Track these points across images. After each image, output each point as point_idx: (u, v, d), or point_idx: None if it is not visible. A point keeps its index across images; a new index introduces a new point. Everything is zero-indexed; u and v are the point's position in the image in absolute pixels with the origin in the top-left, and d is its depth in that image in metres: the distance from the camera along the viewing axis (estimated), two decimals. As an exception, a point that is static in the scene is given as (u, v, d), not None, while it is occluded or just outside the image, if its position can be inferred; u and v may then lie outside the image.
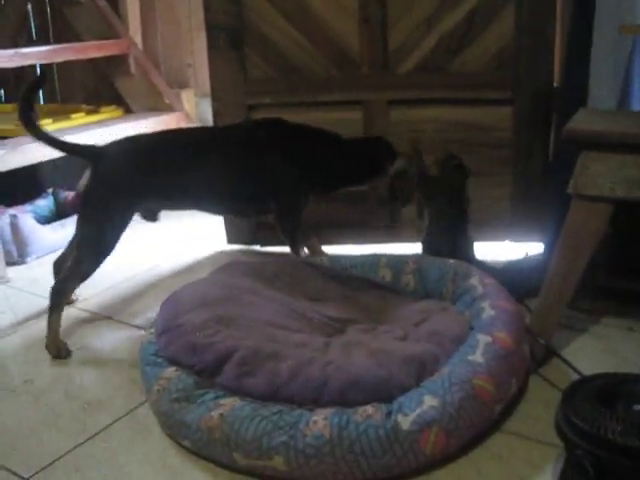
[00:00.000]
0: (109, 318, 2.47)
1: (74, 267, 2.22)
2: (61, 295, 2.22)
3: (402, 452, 1.48)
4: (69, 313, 2.47)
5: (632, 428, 1.31)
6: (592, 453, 1.31)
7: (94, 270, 2.24)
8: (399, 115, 2.80)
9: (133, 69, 3.77)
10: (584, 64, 2.48)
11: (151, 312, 2.29)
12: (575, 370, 1.88)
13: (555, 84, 2.71)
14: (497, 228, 2.86)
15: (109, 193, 2.21)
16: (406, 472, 1.52)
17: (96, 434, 1.78)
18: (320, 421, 1.50)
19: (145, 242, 3.27)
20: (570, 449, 1.37)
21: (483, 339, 1.73)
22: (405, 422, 1.49)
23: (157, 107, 3.70)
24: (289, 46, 2.80)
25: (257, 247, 3.05)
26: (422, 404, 1.53)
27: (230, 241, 3.01)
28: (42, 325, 2.23)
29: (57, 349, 2.19)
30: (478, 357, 1.67)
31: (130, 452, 1.70)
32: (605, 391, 1.43)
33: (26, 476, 1.63)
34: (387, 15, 2.71)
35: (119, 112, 3.81)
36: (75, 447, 1.72)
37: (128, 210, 2.28)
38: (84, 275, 2.24)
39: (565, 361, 1.93)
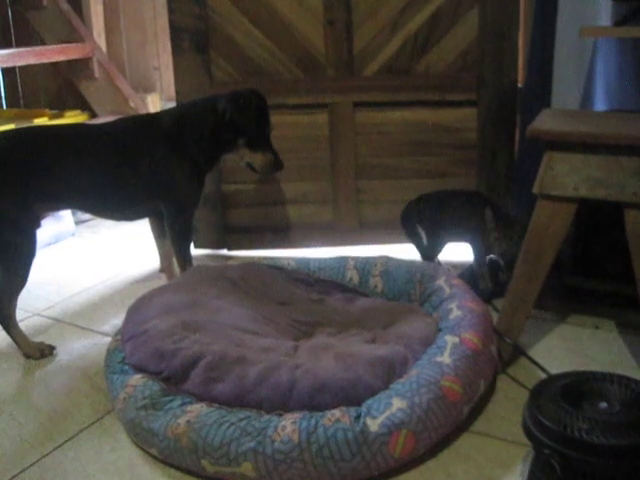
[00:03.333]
0: (75, 325, 2.43)
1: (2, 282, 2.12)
2: (2, 314, 2.14)
3: (371, 455, 1.48)
4: (34, 321, 2.44)
5: (598, 426, 1.32)
6: (559, 452, 1.31)
7: (18, 280, 2.13)
8: (365, 117, 2.81)
9: (97, 73, 3.74)
10: (547, 65, 2.50)
11: (117, 319, 2.27)
12: (542, 369, 1.89)
13: (519, 85, 2.74)
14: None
15: None
16: (375, 475, 1.52)
17: (62, 444, 1.75)
18: (288, 426, 1.49)
19: (111, 248, 3.24)
20: (537, 448, 1.38)
21: (451, 340, 1.74)
22: (374, 425, 1.49)
23: (122, 111, 3.66)
24: (254, 49, 2.79)
25: (224, 251, 3.04)
26: (390, 407, 1.52)
27: (197, 245, 2.99)
28: (4, 335, 2.20)
29: (38, 350, 2.17)
30: (446, 358, 1.67)
31: (97, 461, 1.67)
32: (571, 390, 1.44)
33: (-10, 489, 1.60)
34: (352, 17, 2.72)
35: (84, 117, 3.77)
36: (41, 458, 1.70)
37: (18, 208, 2.11)
38: (10, 290, 2.13)
39: (532, 360, 1.94)
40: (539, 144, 1.84)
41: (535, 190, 1.83)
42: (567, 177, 1.79)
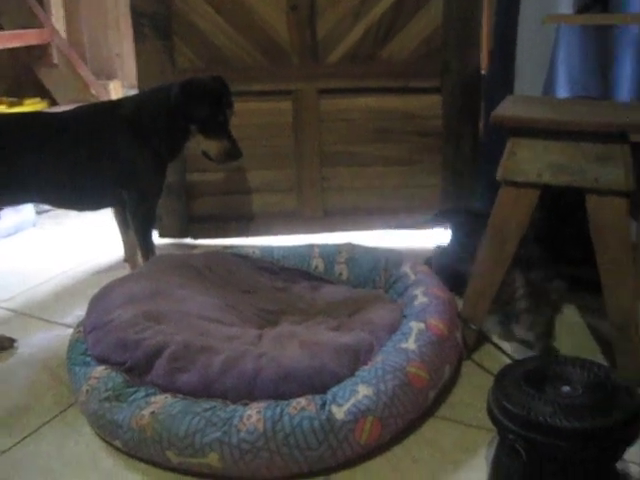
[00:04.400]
0: (36, 317, 2.39)
1: None
2: None
3: (337, 443, 1.47)
4: (-6, 313, 2.40)
5: (561, 409, 1.33)
6: (523, 436, 1.32)
7: None
8: (329, 104, 2.80)
9: (57, 59, 3.68)
10: (510, 52, 2.51)
11: (80, 310, 2.23)
12: (506, 354, 1.91)
13: (483, 72, 2.74)
14: (428, 215, 2.88)
15: None
16: (342, 462, 1.52)
17: (23, 439, 1.72)
18: (254, 415, 1.48)
19: (74, 238, 3.19)
20: (502, 433, 1.39)
21: (416, 326, 1.74)
22: (339, 412, 1.48)
23: (83, 99, 3.60)
24: (218, 35, 2.76)
25: (189, 240, 3.01)
26: (356, 394, 1.52)
27: (161, 235, 2.96)
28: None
29: None
30: (411, 344, 1.68)
31: (60, 455, 1.65)
32: (535, 374, 1.45)
33: (-52, 487, 1.57)
34: (315, 3, 2.70)
35: (43, 104, 3.71)
36: (2, 453, 1.66)
37: None
38: None
39: (496, 346, 1.96)
40: (502, 130, 1.85)
41: (498, 176, 1.84)
42: (530, 163, 1.80)
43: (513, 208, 1.85)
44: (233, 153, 2.39)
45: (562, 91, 2.44)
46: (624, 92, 2.32)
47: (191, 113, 2.32)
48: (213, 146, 2.37)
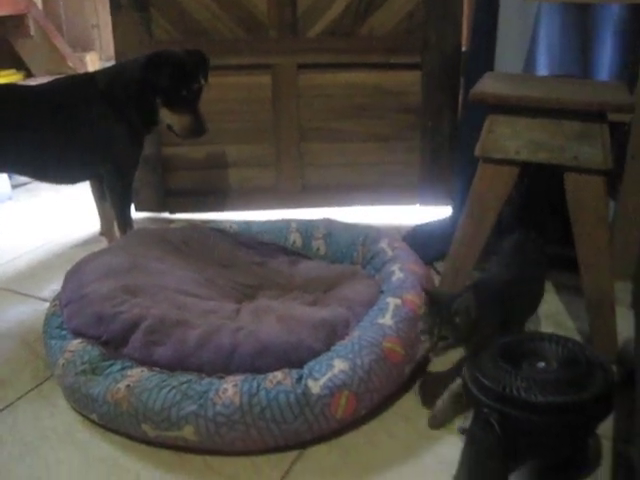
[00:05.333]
0: (12, 291, 2.37)
1: None
2: None
3: (313, 417, 1.48)
4: (-31, 287, 2.38)
5: (536, 385, 1.35)
6: (498, 410, 1.34)
7: None
8: (308, 79, 2.78)
9: (33, 30, 3.62)
10: (491, 29, 2.50)
11: (56, 284, 2.21)
12: (482, 330, 1.91)
13: (463, 48, 2.74)
14: (407, 192, 2.89)
15: None
16: (317, 436, 1.53)
17: (0, 411, 1.71)
18: (230, 389, 1.48)
19: (50, 211, 3.16)
20: (477, 407, 1.40)
21: (393, 302, 1.74)
22: (315, 387, 1.49)
23: (60, 71, 3.55)
24: (196, 7, 2.72)
25: (166, 214, 2.99)
26: (332, 368, 1.53)
27: (138, 208, 2.94)
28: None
29: None
30: (388, 320, 1.68)
31: (37, 428, 1.65)
32: (510, 350, 1.46)
33: None
34: (295, -24, 2.67)
35: (19, 76, 3.66)
36: (-22, 426, 1.66)
37: None
38: None
39: (473, 322, 1.96)
40: (482, 107, 1.85)
41: (477, 153, 1.84)
42: (509, 140, 1.80)
43: (491, 184, 1.85)
44: (196, 129, 2.34)
45: (542, 69, 2.44)
46: (604, 72, 2.32)
47: (155, 85, 2.28)
48: (176, 120, 2.33)
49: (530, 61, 2.46)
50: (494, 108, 1.81)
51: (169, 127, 2.37)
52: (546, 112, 1.75)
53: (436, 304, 1.49)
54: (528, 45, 2.47)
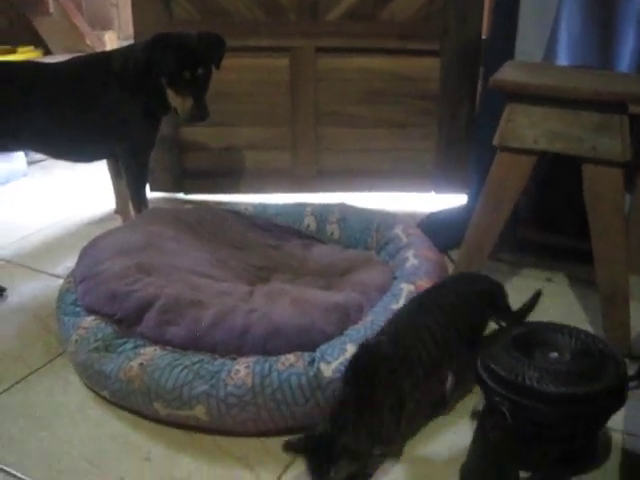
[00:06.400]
0: (26, 267, 2.39)
1: None
2: None
3: (324, 400, 1.48)
4: (-16, 262, 2.39)
5: (549, 375, 1.35)
6: (509, 399, 1.34)
7: None
8: (326, 63, 2.77)
9: (52, 8, 3.62)
10: (512, 17, 2.48)
11: (70, 261, 2.22)
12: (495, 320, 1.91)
13: (483, 36, 2.72)
14: (422, 180, 2.88)
15: None
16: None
17: (12, 386, 1.72)
18: (242, 370, 1.49)
19: (65, 189, 3.17)
20: (488, 395, 1.40)
21: (406, 288, 1.74)
22: (327, 370, 1.49)
23: (78, 49, 3.55)
24: (215, -13, 2.71)
25: (180, 195, 3.00)
26: (344, 352, 1.52)
27: (153, 188, 2.94)
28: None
29: None
30: (401, 305, 1.68)
31: (48, 404, 1.66)
32: (524, 340, 1.46)
33: (-62, 430, 1.57)
34: (316, -41, 2.65)
35: (37, 53, 3.66)
36: (-9, 399, 1.68)
37: None
38: None
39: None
40: (501, 96, 1.84)
41: (495, 142, 1.84)
42: (527, 129, 1.79)
43: (509, 173, 1.85)
44: (197, 114, 2.30)
45: (563, 59, 2.42)
46: (625, 63, 2.30)
47: (158, 66, 2.25)
48: (179, 103, 2.29)
49: (550, 51, 2.43)
50: (513, 97, 1.80)
51: (174, 109, 2.35)
52: (565, 102, 1.74)
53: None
54: (549, 35, 2.45)
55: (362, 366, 1.40)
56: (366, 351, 1.42)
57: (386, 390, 1.37)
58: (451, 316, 1.54)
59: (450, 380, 1.58)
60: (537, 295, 1.75)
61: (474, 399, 1.62)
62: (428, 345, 1.47)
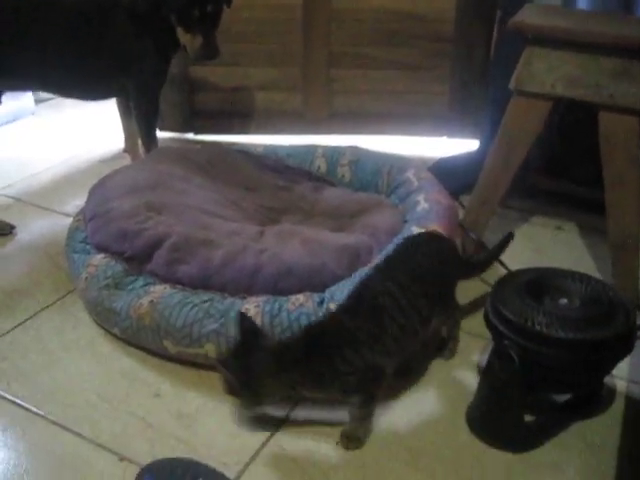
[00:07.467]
0: (35, 205, 2.39)
1: None
2: None
3: (333, 340, 1.49)
4: (-7, 199, 2.39)
5: (558, 320, 1.35)
6: (519, 343, 1.35)
7: None
8: (341, 2, 2.71)
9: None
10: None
11: (79, 199, 2.22)
12: (503, 265, 1.91)
13: (501, -23, 2.65)
14: (434, 123, 2.85)
15: None
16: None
17: (24, 322, 1.74)
18: (252, 309, 1.49)
19: (73, 127, 3.15)
20: (497, 339, 1.41)
21: (417, 231, 1.73)
22: (337, 310, 1.49)
23: None
24: None
25: (190, 135, 2.98)
26: (353, 294, 1.53)
27: (162, 128, 2.91)
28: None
29: None
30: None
31: (59, 339, 1.68)
32: (534, 285, 1.46)
33: (-50, 362, 1.59)
34: None
35: None
36: (2, 335, 1.69)
37: None
38: None
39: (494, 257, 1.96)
40: (518, 40, 1.80)
41: (511, 85, 1.81)
42: (545, 74, 1.76)
43: (524, 118, 1.82)
44: (207, 53, 2.27)
45: (583, 3, 2.37)
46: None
47: (166, 2, 2.21)
48: (188, 41, 2.26)
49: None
50: (532, 40, 1.76)
51: (184, 47, 2.31)
52: (584, 47, 1.71)
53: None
54: (569, -24, 2.39)
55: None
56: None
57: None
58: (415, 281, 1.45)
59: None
60: (506, 238, 1.73)
61: (480, 343, 1.63)
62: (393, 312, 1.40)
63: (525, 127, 1.82)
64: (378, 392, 1.39)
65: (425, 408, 1.47)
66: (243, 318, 1.39)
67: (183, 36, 2.26)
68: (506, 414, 1.38)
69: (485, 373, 1.40)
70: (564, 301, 1.44)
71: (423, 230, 1.72)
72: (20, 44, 2.13)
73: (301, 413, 1.45)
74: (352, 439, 1.37)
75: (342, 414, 1.39)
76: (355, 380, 1.33)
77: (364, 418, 1.38)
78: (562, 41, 1.72)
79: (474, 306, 1.76)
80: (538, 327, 1.34)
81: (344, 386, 1.34)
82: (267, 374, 1.31)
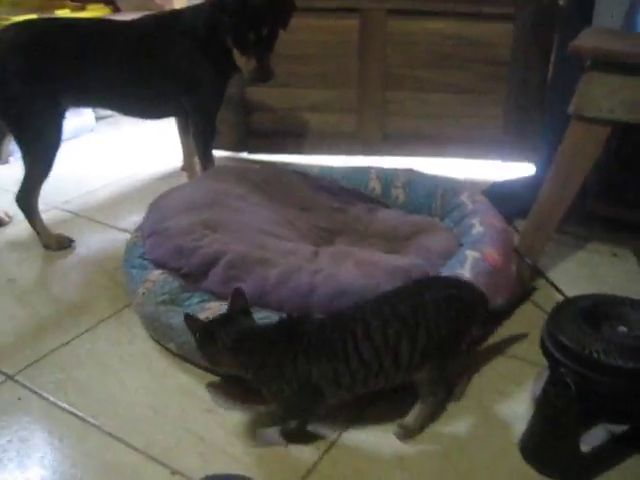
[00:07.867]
0: (93, 220, 2.44)
1: (25, 172, 2.16)
2: (26, 203, 2.18)
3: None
4: (54, 214, 2.45)
5: (615, 348, 1.32)
6: (575, 371, 1.32)
7: (43, 169, 2.16)
8: (397, 25, 2.73)
9: (122, -36, 3.64)
10: (590, -18, 2.41)
11: (136, 215, 2.27)
12: (559, 291, 1.89)
13: (560, 2, 2.64)
14: (489, 147, 2.83)
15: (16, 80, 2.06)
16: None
17: (81, 334, 1.78)
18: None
19: (132, 145, 3.22)
20: (553, 366, 1.39)
21: (472, 255, 1.73)
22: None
23: (146, 7, 3.56)
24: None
25: (245, 154, 3.01)
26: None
27: (218, 147, 2.95)
28: (25, 226, 2.21)
29: (57, 242, 2.21)
30: (466, 271, 1.67)
31: (115, 353, 1.70)
32: (591, 312, 1.44)
33: (11, 373, 1.63)
34: None
35: (106, 10, 3.69)
36: (60, 346, 1.73)
37: (46, 98, 2.11)
38: (35, 178, 2.16)
39: (550, 282, 1.94)
40: (576, 64, 1.79)
41: (570, 110, 1.79)
42: (604, 98, 1.74)
43: (582, 143, 1.80)
44: (261, 75, 2.31)
45: (642, 26, 2.35)
46: None
47: (223, 26, 2.26)
48: (243, 63, 2.31)
49: (631, 18, 2.36)
50: (592, 64, 1.75)
51: (240, 69, 2.35)
52: (645, 70, 1.69)
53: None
54: (629, 1, 2.37)
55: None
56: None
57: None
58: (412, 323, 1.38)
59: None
60: None
61: (535, 370, 1.60)
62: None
63: (583, 152, 1.81)
64: (309, 415, 1.41)
65: (477, 432, 1.46)
66: (238, 294, 1.41)
67: (238, 58, 2.30)
68: (561, 443, 1.35)
69: (540, 401, 1.38)
70: (622, 329, 1.41)
71: (477, 253, 1.71)
72: (88, 67, 2.20)
73: (354, 432, 1.45)
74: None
75: (393, 436, 1.39)
76: (289, 391, 1.35)
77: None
78: (622, 65, 1.71)
79: (529, 332, 1.74)
80: (596, 355, 1.32)
81: (279, 394, 1.36)
82: (225, 349, 1.34)
